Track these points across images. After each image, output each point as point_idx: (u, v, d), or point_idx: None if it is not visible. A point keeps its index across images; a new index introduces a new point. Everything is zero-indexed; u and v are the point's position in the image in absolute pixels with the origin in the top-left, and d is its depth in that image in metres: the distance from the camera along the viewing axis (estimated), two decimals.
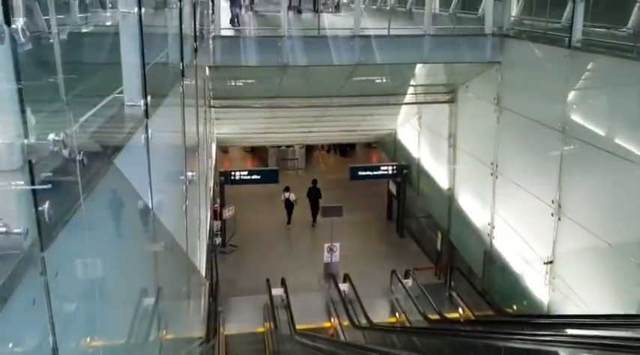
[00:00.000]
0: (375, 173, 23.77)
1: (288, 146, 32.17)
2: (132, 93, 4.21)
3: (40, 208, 2.16)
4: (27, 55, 2.19)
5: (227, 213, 22.44)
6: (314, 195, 25.33)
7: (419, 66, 18.96)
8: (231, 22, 17.35)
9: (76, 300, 2.73)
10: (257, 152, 34.07)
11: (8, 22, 1.98)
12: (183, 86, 7.67)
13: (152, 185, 4.70)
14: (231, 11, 17.93)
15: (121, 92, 4.15)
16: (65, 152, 2.27)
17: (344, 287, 18.29)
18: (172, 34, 7.52)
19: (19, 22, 2.04)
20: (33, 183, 2.12)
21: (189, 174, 8.30)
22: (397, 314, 17.99)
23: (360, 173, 23.66)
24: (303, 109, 19.79)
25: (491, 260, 15.62)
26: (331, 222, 20.23)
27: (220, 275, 19.73)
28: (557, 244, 12.44)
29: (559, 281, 12.37)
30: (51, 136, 2.17)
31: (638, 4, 11.05)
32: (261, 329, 17.40)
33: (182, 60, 7.64)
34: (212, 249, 18.08)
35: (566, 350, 6.68)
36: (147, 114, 4.41)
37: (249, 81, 18.38)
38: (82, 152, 2.56)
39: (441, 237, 20.07)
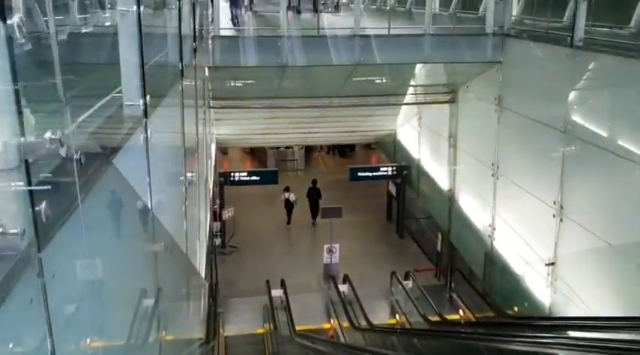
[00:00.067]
0: (374, 174, 23.74)
1: (287, 147, 32.15)
2: (131, 93, 4.16)
3: (37, 208, 2.11)
4: (23, 54, 2.15)
5: (226, 214, 22.41)
6: (314, 195, 25.35)
7: (419, 66, 18.92)
8: (231, 21, 17.34)
9: (74, 302, 2.68)
10: (256, 153, 34.05)
11: (4, 19, 1.93)
12: (182, 86, 7.63)
13: (151, 185, 4.66)
14: (231, 12, 17.92)
15: (120, 92, 4.10)
16: (62, 151, 2.22)
17: (343, 288, 18.24)
18: (171, 33, 7.47)
19: (15, 19, 1.99)
20: (30, 183, 2.07)
21: (189, 174, 8.26)
22: (397, 316, 17.95)
23: (360, 174, 23.63)
24: (303, 110, 19.75)
25: (492, 261, 15.56)
26: (331, 223, 20.18)
27: (220, 276, 19.70)
28: (558, 245, 12.37)
29: (561, 283, 12.30)
30: (47, 135, 2.12)
31: None
32: (260, 331, 17.37)
33: (181, 60, 7.59)
34: (212, 250, 18.05)
35: (568, 353, 6.62)
36: (146, 114, 4.37)
37: (249, 81, 18.35)
38: (79, 151, 2.52)
39: (442, 238, 20.02)
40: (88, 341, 2.88)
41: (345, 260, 19.79)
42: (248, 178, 23.22)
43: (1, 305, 1.83)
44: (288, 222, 25.46)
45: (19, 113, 2.03)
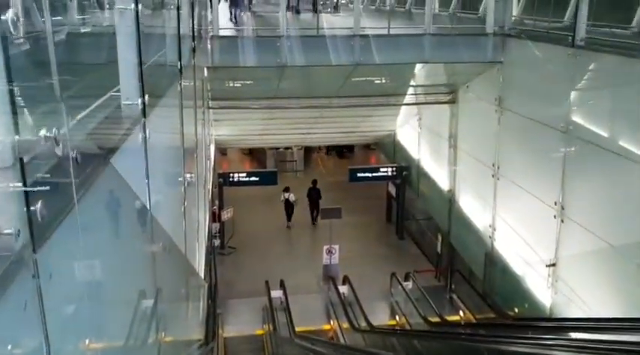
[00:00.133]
0: (374, 175, 23.72)
1: (286, 148, 32.13)
2: (129, 92, 4.11)
3: (32, 208, 2.05)
4: (21, 54, 2.12)
5: (226, 214, 22.36)
6: (314, 195, 25.34)
7: (419, 66, 18.88)
8: (231, 20, 17.32)
9: (71, 303, 2.62)
10: (255, 154, 34.03)
11: None
12: (181, 86, 7.58)
13: (150, 185, 4.60)
14: (231, 12, 17.91)
15: (118, 91, 4.06)
16: (58, 149, 2.17)
17: (343, 289, 18.19)
18: (170, 33, 7.43)
19: (9, 14, 1.94)
20: (24, 182, 2.01)
21: (188, 175, 8.21)
22: (397, 317, 17.91)
23: (360, 175, 23.61)
24: (302, 110, 19.72)
25: (493, 262, 15.51)
26: (330, 224, 20.14)
27: (219, 277, 19.67)
28: (559, 246, 12.33)
29: (562, 284, 12.26)
30: (42, 132, 2.06)
31: None
32: (260, 332, 17.34)
33: (180, 59, 7.54)
34: (211, 251, 18.01)
35: None
36: (144, 113, 4.32)
37: (248, 82, 18.31)
38: (75, 150, 2.46)
39: (442, 239, 19.98)
40: (85, 343, 2.82)
41: (344, 261, 19.75)
42: (247, 179, 23.20)
43: None
44: (289, 220, 25.47)
45: (14, 111, 1.98)
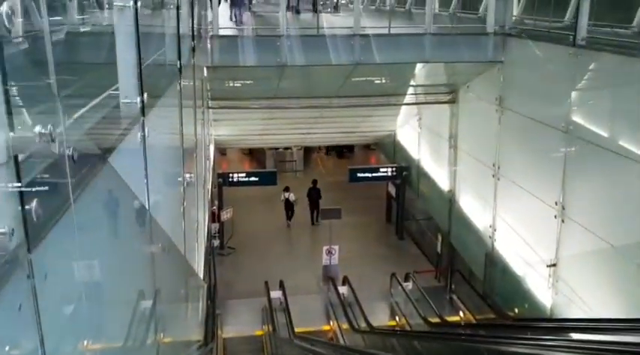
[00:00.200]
0: (374, 175, 23.68)
1: (286, 148, 32.10)
2: (128, 90, 4.07)
3: (27, 206, 2.00)
4: (17, 50, 2.10)
5: (225, 215, 22.32)
6: (314, 195, 25.33)
7: (419, 66, 18.85)
8: (231, 19, 17.32)
9: (67, 305, 2.57)
10: (255, 154, 34.00)
11: None
12: (180, 85, 7.54)
13: (149, 185, 4.56)
14: (231, 11, 17.90)
15: (117, 89, 4.02)
16: (54, 147, 2.12)
17: (343, 290, 18.14)
18: (170, 31, 7.39)
19: (4, 7, 1.90)
20: (19, 180, 1.97)
21: (187, 175, 8.17)
22: (397, 318, 17.87)
23: (360, 175, 23.57)
24: (302, 110, 19.68)
25: (493, 262, 15.47)
26: (330, 225, 20.10)
27: (218, 277, 19.62)
28: (560, 246, 12.28)
29: (562, 285, 12.22)
30: (37, 129, 2.01)
31: None
32: (259, 332, 17.30)
33: (179, 58, 7.50)
34: (210, 252, 17.97)
35: None
36: (143, 112, 4.28)
37: (248, 82, 18.28)
38: (71, 147, 2.42)
39: (442, 239, 19.94)
40: (82, 344, 2.78)
41: (344, 261, 19.69)
42: (247, 179, 23.17)
43: None
44: (289, 219, 25.49)
45: (9, 109, 1.93)
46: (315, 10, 21.33)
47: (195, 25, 10.81)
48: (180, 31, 7.91)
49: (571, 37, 11.86)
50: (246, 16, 19.06)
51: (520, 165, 14.17)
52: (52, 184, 2.35)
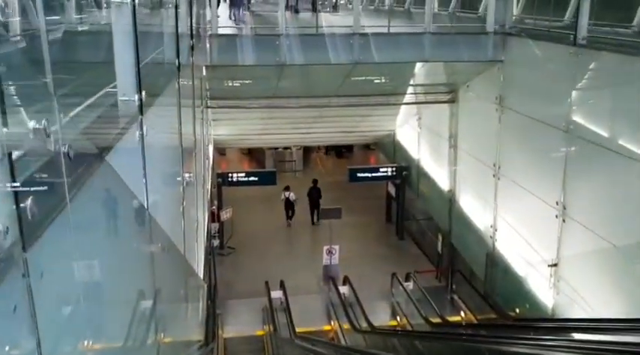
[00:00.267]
0: (374, 175, 23.63)
1: (285, 148, 32.07)
2: (126, 88, 4.03)
3: (22, 204, 1.96)
4: (14, 49, 2.08)
5: (225, 215, 22.28)
6: (314, 194, 25.32)
7: (419, 65, 18.81)
8: (230, 18, 17.32)
9: (63, 304, 2.53)
10: (254, 154, 33.97)
11: None
12: (179, 84, 7.49)
13: (147, 184, 4.52)
14: (231, 11, 17.89)
15: (115, 87, 3.99)
16: (49, 143, 2.07)
17: (344, 289, 18.10)
18: (168, 29, 7.35)
19: None
20: (13, 177, 1.92)
21: (186, 174, 8.13)
22: (398, 318, 17.82)
23: (359, 175, 23.53)
24: (301, 110, 19.64)
25: (494, 262, 15.43)
26: (330, 224, 20.06)
27: (218, 277, 19.58)
28: (561, 246, 12.24)
29: (564, 284, 12.17)
30: (31, 124, 1.96)
31: None
32: (260, 332, 17.26)
33: (178, 56, 7.45)
34: (210, 252, 17.93)
35: None
36: (141, 110, 4.24)
37: (247, 81, 18.24)
38: (69, 146, 2.37)
39: (442, 239, 19.90)
40: (80, 345, 2.73)
41: (344, 261, 19.64)
42: (246, 179, 23.12)
43: None
44: (292, 219, 25.53)
45: (2, 106, 1.89)
46: (314, 10, 21.31)
47: (193, 24, 10.77)
48: (179, 29, 7.87)
49: (571, 36, 11.82)
50: (245, 15, 19.04)
51: (521, 164, 14.12)
52: (48, 182, 2.31)
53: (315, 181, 25.78)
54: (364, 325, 15.82)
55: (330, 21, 19.20)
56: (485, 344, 8.58)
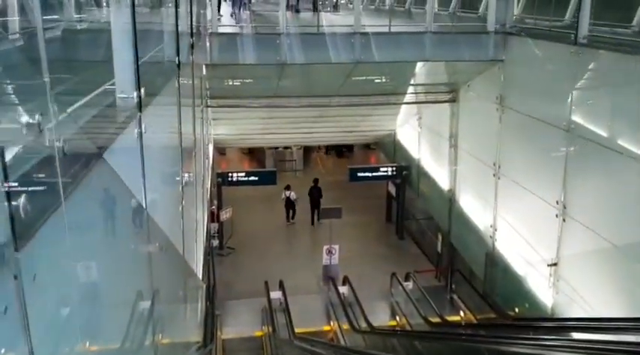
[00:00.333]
0: (374, 174, 23.58)
1: (285, 147, 32.04)
2: (124, 85, 4.00)
3: (14, 202, 1.91)
4: (12, 47, 2.05)
5: (224, 214, 22.23)
6: (315, 194, 25.30)
7: (419, 65, 18.78)
8: (232, 16, 17.36)
9: (58, 306, 2.48)
10: (254, 153, 33.94)
11: None
12: (179, 82, 7.45)
13: (146, 183, 4.48)
14: (233, 9, 17.91)
15: (113, 84, 3.95)
16: (43, 138, 2.03)
17: (343, 289, 18.05)
18: (168, 26, 7.31)
19: None
20: (6, 174, 1.88)
21: (186, 174, 8.09)
22: (397, 318, 17.78)
23: (360, 174, 23.48)
24: (302, 110, 19.60)
25: (494, 262, 15.40)
26: (330, 224, 20.02)
27: (218, 278, 19.53)
28: (561, 246, 12.21)
29: (563, 284, 12.14)
30: (24, 119, 1.92)
31: None
32: (259, 333, 17.20)
33: (178, 54, 7.41)
34: (209, 252, 17.88)
35: None
36: (140, 108, 4.20)
37: (247, 80, 18.21)
38: (65, 143, 2.33)
39: (442, 238, 19.86)
40: (75, 348, 2.69)
41: (344, 261, 19.60)
42: (246, 179, 23.05)
43: None
44: (293, 218, 25.56)
45: None
46: (315, 9, 21.28)
47: (194, 23, 10.73)
48: (179, 27, 7.84)
49: (572, 35, 11.79)
50: (246, 14, 19.02)
51: (521, 164, 14.09)
52: (42, 179, 2.27)
53: (316, 180, 25.76)
54: (364, 325, 15.78)
55: (330, 20, 19.17)
56: (485, 343, 8.56)
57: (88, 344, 2.92)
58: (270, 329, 16.06)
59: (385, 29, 15.53)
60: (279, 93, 18.13)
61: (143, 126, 4.31)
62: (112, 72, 3.95)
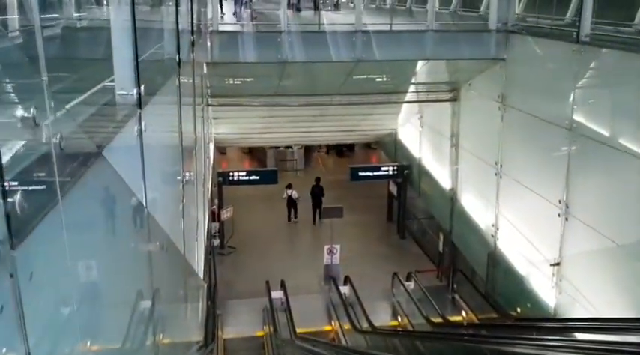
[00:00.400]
0: (375, 174, 23.55)
1: (286, 147, 32.02)
2: (123, 82, 3.95)
3: (10, 199, 1.86)
4: (12, 44, 2.02)
5: (225, 214, 22.19)
6: (317, 193, 25.32)
7: (420, 63, 18.76)
8: (234, 14, 17.41)
9: (55, 306, 2.43)
10: (255, 153, 33.94)
11: None
12: (179, 81, 7.40)
13: (146, 182, 4.43)
14: (235, 9, 17.94)
15: (112, 81, 3.91)
16: (39, 133, 1.98)
17: (345, 289, 18.02)
18: (168, 25, 7.27)
19: None
20: (1, 171, 1.82)
21: (186, 173, 8.05)
22: (399, 318, 17.73)
23: (361, 174, 23.46)
24: (302, 109, 19.58)
25: (496, 262, 15.36)
26: (331, 224, 19.98)
27: (219, 277, 19.50)
28: (564, 245, 12.17)
29: (566, 284, 12.10)
30: (19, 113, 1.87)
31: None
32: (260, 333, 17.17)
33: (178, 52, 7.36)
34: (210, 251, 17.84)
35: None
36: (140, 105, 4.15)
37: (248, 79, 18.17)
38: (62, 139, 2.28)
39: (443, 238, 19.82)
40: (73, 348, 2.64)
41: (345, 260, 19.57)
42: (247, 178, 23.02)
43: None
44: (296, 217, 25.59)
45: None
46: (316, 8, 21.26)
47: (194, 21, 10.69)
48: (180, 25, 7.79)
49: (574, 33, 11.75)
50: (246, 13, 18.99)
51: (523, 163, 14.05)
52: (39, 175, 2.22)
53: (317, 180, 25.76)
54: (365, 325, 15.74)
55: (331, 19, 19.13)
56: (487, 344, 8.55)
57: (87, 344, 2.88)
58: (272, 328, 16.03)
59: (386, 27, 15.51)
60: (280, 92, 18.10)
61: (143, 124, 4.27)
62: (112, 69, 3.92)
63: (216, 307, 17.05)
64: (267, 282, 18.46)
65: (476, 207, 16.88)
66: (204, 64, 14.37)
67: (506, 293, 15.15)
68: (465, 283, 18.04)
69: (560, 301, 12.36)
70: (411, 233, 24.41)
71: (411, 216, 24.35)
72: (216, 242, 21.15)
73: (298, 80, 17.60)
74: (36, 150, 2.09)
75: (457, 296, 18.18)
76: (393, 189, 24.43)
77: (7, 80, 2.01)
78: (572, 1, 12.44)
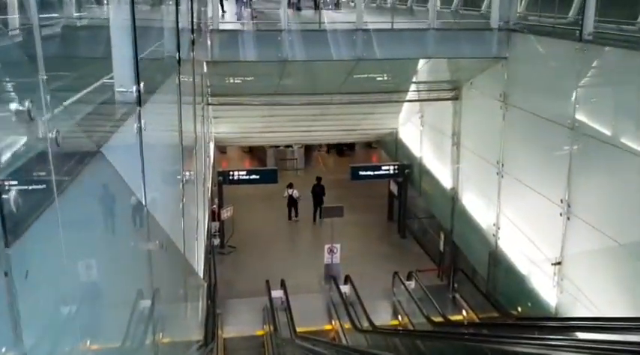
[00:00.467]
0: (376, 173, 23.53)
1: (287, 146, 31.99)
2: (123, 79, 3.91)
3: (4, 196, 1.82)
4: (12, 43, 2.00)
5: (225, 213, 22.15)
6: (318, 192, 25.30)
7: (422, 62, 18.72)
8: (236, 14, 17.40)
9: (52, 306, 2.39)
10: (255, 152, 33.93)
11: None
12: (179, 79, 7.36)
13: (145, 180, 4.39)
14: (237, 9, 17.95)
15: (112, 78, 3.88)
16: (35, 128, 1.94)
17: (345, 288, 17.99)
18: (168, 24, 7.23)
19: None
20: None
21: (186, 172, 8.01)
22: (400, 317, 17.71)
23: (361, 173, 23.43)
24: (303, 108, 19.56)
25: (497, 261, 15.33)
26: (332, 223, 19.95)
27: (219, 276, 19.47)
28: (565, 244, 12.14)
29: (568, 283, 12.06)
30: (13, 106, 1.83)
31: None
32: (260, 332, 17.14)
33: (178, 50, 7.32)
34: (210, 250, 17.82)
35: None
36: (139, 102, 4.12)
37: (248, 78, 18.14)
38: (60, 136, 2.24)
39: (444, 237, 19.78)
40: (71, 348, 2.60)
41: (346, 260, 19.54)
42: (247, 177, 22.99)
43: None
44: (297, 216, 25.58)
45: None
46: (316, 7, 21.23)
47: (194, 19, 10.66)
48: (180, 24, 7.75)
49: (576, 32, 11.71)
50: (247, 12, 18.97)
51: (524, 162, 14.02)
52: (36, 173, 2.18)
53: (319, 179, 25.76)
54: (365, 324, 15.71)
55: (332, 17, 19.09)
56: (488, 343, 8.50)
57: (87, 343, 2.84)
58: (272, 328, 16.00)
59: (387, 26, 15.45)
60: (281, 91, 18.06)
61: (143, 122, 4.23)
62: (111, 68, 3.89)
63: (216, 306, 17.02)
64: (268, 281, 18.44)
65: (477, 206, 16.84)
66: (205, 63, 14.33)
67: (507, 292, 15.13)
68: (465, 282, 18.01)
69: (561, 300, 12.33)
70: (412, 232, 24.38)
71: (412, 215, 24.32)
72: (217, 241, 21.10)
73: (299, 79, 17.56)
74: (32, 146, 2.05)
75: (458, 296, 18.15)
76: (394, 188, 24.41)
77: (6, 78, 1.98)
78: None
